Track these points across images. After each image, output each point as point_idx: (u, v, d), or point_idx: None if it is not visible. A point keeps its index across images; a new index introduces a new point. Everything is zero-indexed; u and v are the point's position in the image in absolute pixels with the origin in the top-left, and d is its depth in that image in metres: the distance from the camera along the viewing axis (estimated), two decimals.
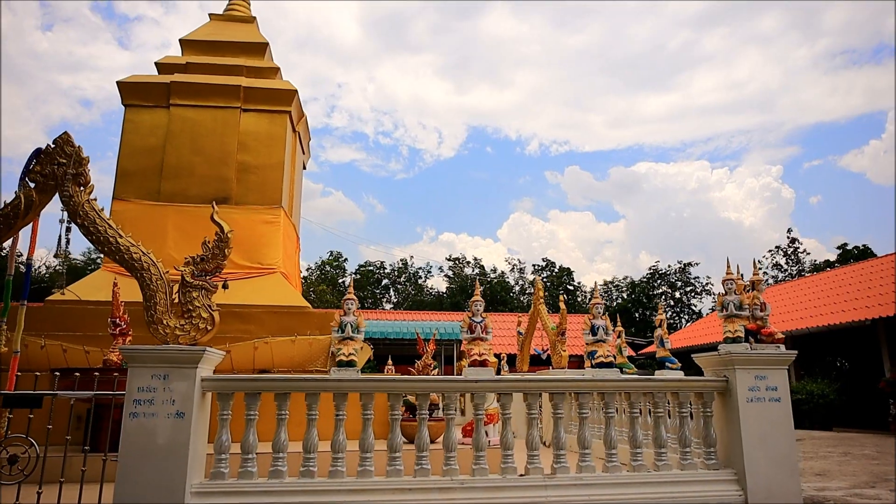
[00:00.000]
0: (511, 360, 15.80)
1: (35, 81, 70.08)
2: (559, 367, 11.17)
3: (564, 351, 11.22)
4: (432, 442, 6.55)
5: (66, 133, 5.70)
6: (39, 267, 38.88)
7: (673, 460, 5.95)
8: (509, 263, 57.51)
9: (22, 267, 6.35)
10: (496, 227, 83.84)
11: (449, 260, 56.00)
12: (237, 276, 9.54)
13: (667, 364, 7.67)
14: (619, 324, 10.47)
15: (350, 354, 5.51)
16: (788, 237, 47.00)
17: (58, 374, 6.81)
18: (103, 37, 75.06)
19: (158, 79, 11.12)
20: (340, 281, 52.36)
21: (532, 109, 79.70)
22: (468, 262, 55.96)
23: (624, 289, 53.71)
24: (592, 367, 6.37)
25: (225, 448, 5.22)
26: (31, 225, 5.87)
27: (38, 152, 5.59)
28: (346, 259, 55.01)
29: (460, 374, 5.82)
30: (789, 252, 46.14)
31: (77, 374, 6.59)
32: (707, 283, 50.50)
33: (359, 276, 54.18)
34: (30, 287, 6.08)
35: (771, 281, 43.18)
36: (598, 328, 6.52)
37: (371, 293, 53.84)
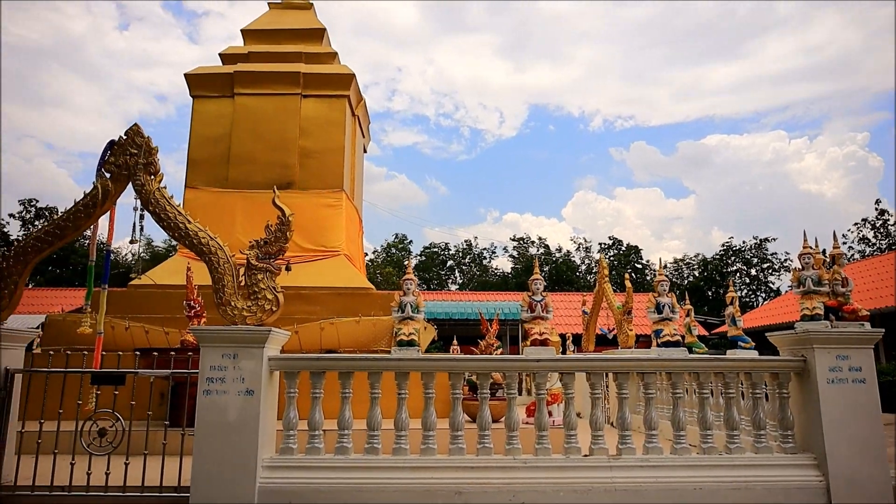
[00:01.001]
0: (577, 339, 15.58)
1: (113, 79, 73.88)
2: (626, 347, 10.94)
3: (631, 330, 10.97)
4: (495, 421, 6.55)
5: (136, 125, 5.96)
6: (126, 254, 41.30)
7: (746, 443, 5.70)
8: (574, 242, 56.56)
9: (102, 253, 6.72)
10: (560, 206, 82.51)
11: (513, 240, 55.62)
12: (302, 259, 9.80)
13: (739, 343, 7.35)
14: (687, 302, 10.12)
15: (410, 334, 5.55)
16: (877, 209, 43.87)
17: (138, 353, 7.20)
18: (174, 33, 78.14)
19: (222, 69, 11.47)
20: (406, 263, 53.04)
21: (594, 85, 77.53)
22: (532, 242, 55.43)
23: (696, 266, 51.88)
24: (658, 346, 6.17)
25: (293, 424, 5.39)
26: (108, 214, 6.18)
27: (111, 144, 5.87)
28: (410, 241, 55.62)
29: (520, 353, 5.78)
30: (878, 225, 43.11)
31: (155, 353, 6.97)
32: (785, 260, 48.07)
33: (424, 258, 54.73)
34: (111, 272, 6.44)
35: (857, 256, 40.58)
36: (663, 306, 6.30)
37: (436, 274, 54.30)
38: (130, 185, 5.78)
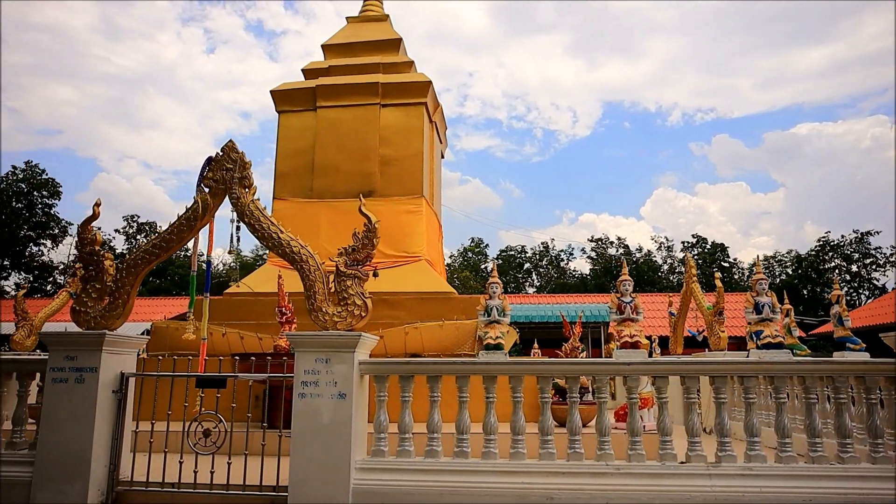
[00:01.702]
0: (663, 342, 15.05)
1: (202, 100, 78.38)
2: (717, 349, 10.46)
3: (723, 332, 10.48)
4: (584, 426, 6.42)
5: (230, 141, 6.28)
6: (217, 264, 43.62)
7: (861, 452, 5.30)
8: (655, 242, 54.68)
9: (203, 264, 7.10)
10: (638, 204, 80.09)
11: (591, 241, 54.48)
12: (384, 264, 9.99)
13: (848, 345, 6.85)
14: (786, 301, 9.55)
15: (497, 338, 5.54)
16: None
17: (237, 358, 7.56)
18: (255, 53, 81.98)
19: (305, 84, 11.92)
20: (483, 267, 53.07)
21: (671, 78, 74.73)
22: (611, 243, 54.07)
23: (788, 263, 48.98)
24: (758, 348, 5.84)
25: (384, 427, 5.50)
26: (207, 226, 6.53)
27: (209, 161, 6.21)
28: (487, 245, 55.64)
29: (609, 357, 5.63)
30: None
31: (252, 358, 7.31)
32: (892, 254, 44.47)
33: (501, 261, 54.55)
34: (210, 281, 6.82)
35: None
36: (762, 306, 5.96)
37: (513, 277, 54.00)
38: (227, 198, 6.10)
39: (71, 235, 46.43)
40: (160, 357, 6.17)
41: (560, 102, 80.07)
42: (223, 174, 6.10)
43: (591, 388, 8.34)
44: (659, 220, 70.65)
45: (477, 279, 45.68)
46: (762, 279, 6.20)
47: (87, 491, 5.41)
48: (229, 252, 7.87)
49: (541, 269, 56.34)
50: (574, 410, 5.40)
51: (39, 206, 44.57)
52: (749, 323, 6.28)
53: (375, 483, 5.25)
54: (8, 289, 42.72)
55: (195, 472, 5.55)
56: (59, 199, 44.98)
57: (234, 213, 6.11)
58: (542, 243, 56.82)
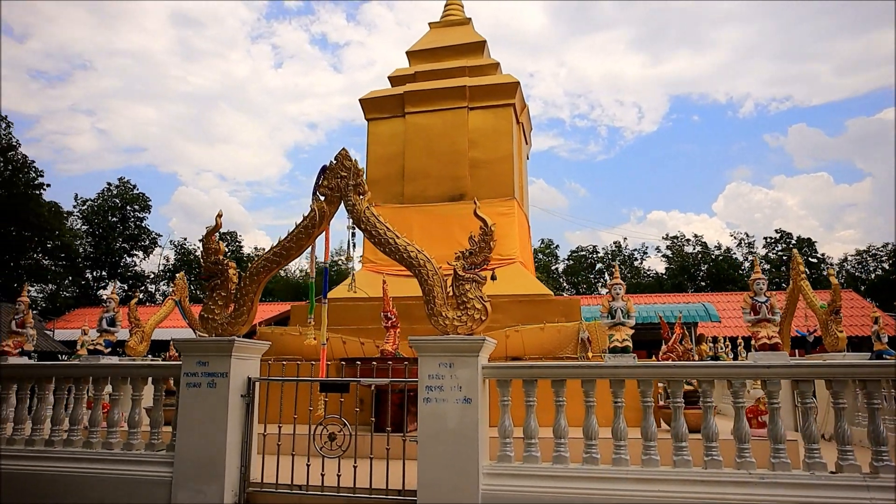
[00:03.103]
0: (749, 343, 14.29)
1: (271, 114, 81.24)
2: (835, 350, 9.82)
3: (841, 332, 9.84)
4: (693, 431, 6.12)
5: (343, 149, 6.39)
6: (294, 271, 44.99)
7: None
8: (735, 238, 52.39)
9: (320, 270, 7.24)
10: (710, 200, 77.08)
11: (666, 239, 52.79)
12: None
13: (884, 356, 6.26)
14: (874, 308, 8.87)
15: (624, 340, 5.37)
16: None
17: (344, 363, 7.69)
18: (320, 65, 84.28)
19: (392, 91, 12.07)
20: (553, 268, 52.39)
21: (742, 68, 71.60)
22: (687, 240, 52.18)
23: (884, 258, 45.84)
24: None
25: (508, 432, 5.42)
26: (323, 233, 6.67)
27: (323, 169, 6.34)
28: (557, 246, 54.84)
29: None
30: None
31: (358, 363, 7.39)
32: None
33: (571, 262, 53.69)
34: (328, 288, 6.95)
35: None
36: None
37: (584, 278, 53.02)
38: (343, 205, 6.20)
39: (160, 246, 49.12)
40: (284, 363, 6.32)
41: (624, 98, 78.20)
42: (337, 182, 6.20)
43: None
44: (733, 215, 67.74)
45: (548, 281, 45.10)
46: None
47: (224, 491, 5.60)
48: (346, 259, 8.06)
49: (613, 270, 55.02)
50: (710, 415, 5.16)
51: (132, 219, 47.34)
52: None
53: (504, 489, 5.18)
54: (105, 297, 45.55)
55: (322, 475, 5.64)
56: (149, 212, 47.62)
57: (350, 220, 6.21)
58: (615, 242, 55.51)
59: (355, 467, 5.61)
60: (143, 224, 48.01)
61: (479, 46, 12.55)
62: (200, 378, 5.88)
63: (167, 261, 49.58)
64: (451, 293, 5.75)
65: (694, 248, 51.39)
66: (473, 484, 5.14)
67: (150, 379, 6.37)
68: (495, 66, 12.25)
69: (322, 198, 6.25)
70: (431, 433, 5.30)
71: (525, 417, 5.44)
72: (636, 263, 54.44)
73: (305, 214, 6.24)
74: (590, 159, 77.70)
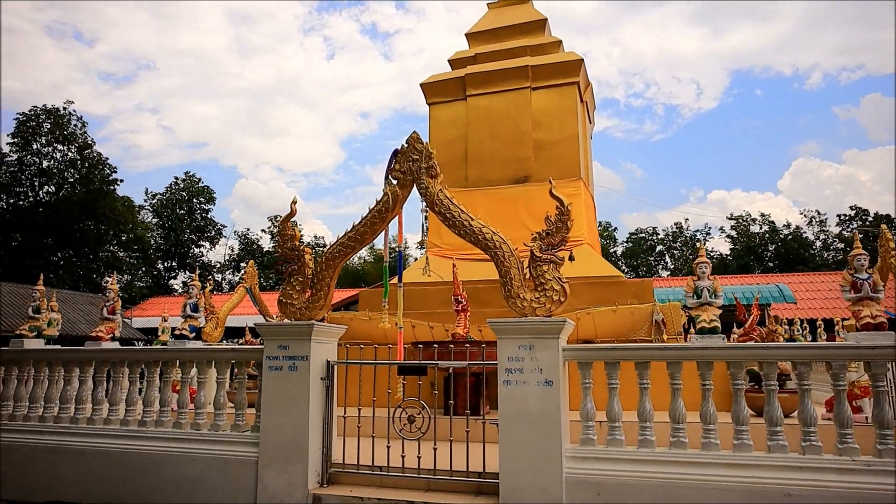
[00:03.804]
0: (829, 325, 13.58)
1: (324, 105, 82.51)
2: None
3: None
4: (786, 416, 5.84)
5: (415, 132, 6.36)
6: (355, 258, 45.72)
7: None
8: (804, 216, 49.95)
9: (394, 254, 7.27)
10: (775, 177, 73.79)
11: (730, 218, 50.83)
12: None
13: None
14: None
15: (711, 321, 5.16)
16: None
17: (420, 346, 7.71)
18: (371, 55, 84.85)
19: (453, 74, 11.97)
20: (612, 251, 51.36)
21: (809, 38, 67.78)
22: (754, 220, 50.09)
23: None
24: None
25: (591, 415, 5.32)
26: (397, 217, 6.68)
27: (395, 153, 6.33)
28: (615, 228, 53.73)
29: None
30: None
31: (435, 346, 7.42)
32: None
33: (630, 244, 52.54)
34: (402, 271, 6.97)
35: None
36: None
37: (644, 261, 51.81)
38: (416, 188, 6.19)
39: (225, 237, 50.86)
40: (361, 346, 6.39)
41: (681, 75, 75.49)
42: (410, 165, 6.18)
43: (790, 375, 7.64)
44: (800, 193, 64.66)
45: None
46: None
47: (307, 472, 5.73)
48: (421, 243, 8.14)
49: (675, 252, 53.56)
50: (807, 399, 4.90)
51: (198, 211, 49.14)
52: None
53: (588, 472, 5.09)
54: (176, 287, 47.62)
55: (402, 457, 5.69)
56: (214, 204, 49.31)
57: (423, 203, 6.19)
58: (676, 223, 53.92)
59: (435, 449, 5.63)
60: (208, 216, 49.82)
61: (540, 25, 12.27)
62: (282, 361, 6.01)
63: (231, 251, 51.34)
64: (528, 275, 5.66)
65: (761, 228, 49.32)
66: (556, 467, 5.07)
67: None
68: (557, 44, 11.96)
69: (394, 182, 6.25)
70: (512, 416, 5.25)
71: (608, 400, 5.33)
72: (698, 245, 52.74)
73: (378, 199, 6.26)
74: (646, 139, 75.59)
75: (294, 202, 6.53)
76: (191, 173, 49.86)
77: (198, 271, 9.86)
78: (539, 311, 5.46)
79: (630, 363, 5.36)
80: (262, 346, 6.14)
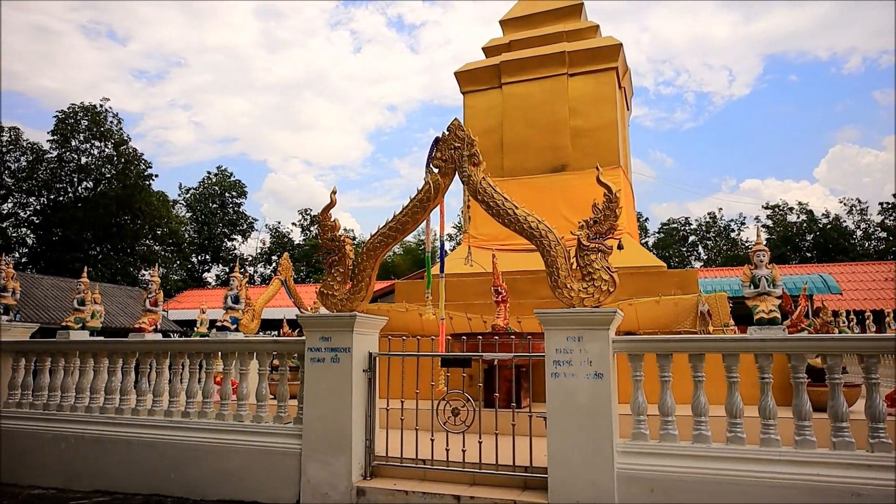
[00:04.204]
0: (877, 316, 13.07)
1: (352, 99, 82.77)
2: None
3: None
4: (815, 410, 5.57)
5: (455, 119, 6.22)
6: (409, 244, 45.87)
7: None
8: (844, 204, 48.43)
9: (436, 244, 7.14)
10: (811, 165, 71.67)
11: (766, 207, 49.59)
12: None
13: None
14: None
15: (771, 311, 4.92)
16: None
17: (462, 337, 7.59)
18: (397, 47, 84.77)
19: (488, 62, 11.77)
20: (643, 241, 50.52)
21: (847, 20, 65.43)
22: (791, 209, 48.76)
23: None
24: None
25: (642, 409, 5.15)
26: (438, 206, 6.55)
27: (436, 141, 6.20)
28: (646, 219, 52.84)
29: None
30: None
31: (479, 337, 7.29)
32: None
33: (662, 235, 51.65)
34: (444, 261, 6.86)
35: None
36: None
37: (677, 251, 50.89)
38: (458, 177, 6.05)
39: (257, 230, 51.49)
40: (404, 338, 6.30)
41: (713, 62, 73.78)
42: (451, 153, 6.05)
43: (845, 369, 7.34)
44: (837, 181, 62.76)
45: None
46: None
47: (351, 464, 5.67)
48: (463, 232, 8.03)
49: (708, 242, 52.54)
50: (874, 393, 4.65)
51: (230, 205, 49.80)
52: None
53: (641, 468, 4.92)
54: (209, 280, 48.42)
55: (447, 451, 5.59)
56: (246, 198, 49.89)
57: (466, 192, 6.06)
58: (709, 213, 52.81)
59: (480, 443, 5.53)
60: (240, 209, 50.46)
61: (577, 9, 11.98)
62: (324, 353, 5.96)
63: (263, 244, 51.95)
64: (574, 264, 5.50)
65: (798, 217, 48.00)
66: (608, 462, 4.92)
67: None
68: (595, 29, 11.67)
69: (436, 170, 6.13)
70: (561, 409, 5.11)
71: (660, 394, 5.15)
72: (732, 235, 51.62)
73: (419, 188, 6.15)
74: (676, 128, 74.15)
75: (334, 192, 6.45)
76: (223, 168, 50.56)
77: (238, 263, 9.91)
78: (587, 302, 5.29)
79: (682, 355, 5.17)
80: (304, 338, 6.09)
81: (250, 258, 51.21)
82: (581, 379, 5.09)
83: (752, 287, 5.14)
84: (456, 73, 11.80)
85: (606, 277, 5.32)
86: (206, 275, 49.49)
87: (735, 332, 9.85)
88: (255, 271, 50.36)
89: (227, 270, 47.94)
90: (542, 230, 5.61)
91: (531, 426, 5.43)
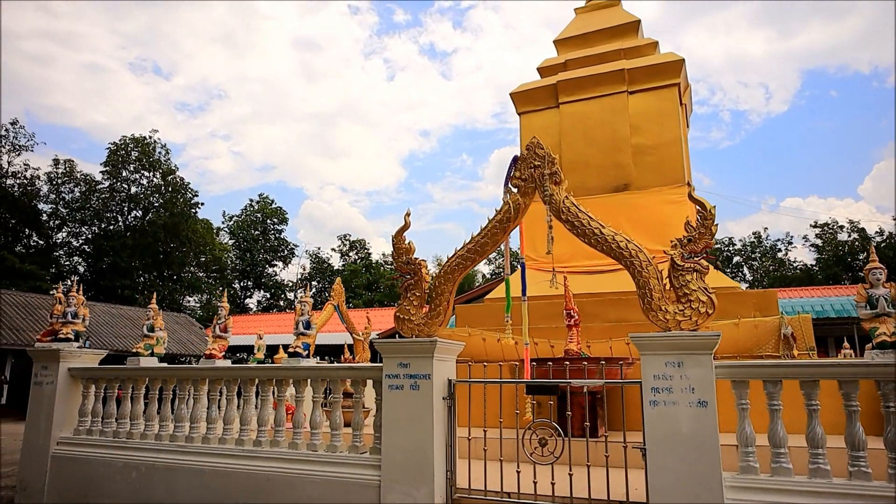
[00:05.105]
0: None
1: (386, 125, 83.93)
2: None
3: None
4: None
5: (534, 137, 6.05)
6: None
7: None
8: None
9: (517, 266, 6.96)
10: (855, 182, 69.41)
11: (814, 226, 48.05)
12: (656, 261, 9.24)
13: None
14: None
15: (893, 334, 4.55)
16: None
17: (535, 363, 7.34)
18: (430, 74, 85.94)
19: (545, 82, 11.65)
20: (869, 249, 49.21)
21: (889, 32, 63.69)
22: (841, 227, 47.16)
23: None
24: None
25: (750, 440, 4.80)
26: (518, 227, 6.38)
27: (515, 159, 6.05)
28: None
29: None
30: None
31: (549, 363, 7.02)
32: None
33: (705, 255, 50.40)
34: (526, 284, 6.65)
35: None
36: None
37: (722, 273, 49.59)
38: (539, 196, 5.86)
39: (297, 256, 52.07)
40: (485, 364, 6.08)
41: (749, 79, 72.62)
42: (531, 172, 5.87)
43: None
44: (884, 198, 60.50)
45: None
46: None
47: (433, 495, 5.43)
48: (548, 253, 7.84)
49: (753, 263, 51.11)
50: None
51: (271, 231, 50.58)
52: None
53: None
54: (251, 306, 49.02)
55: (534, 483, 5.31)
56: (287, 224, 50.63)
57: (548, 212, 5.86)
58: (754, 233, 51.47)
59: (571, 475, 5.23)
60: (281, 235, 51.20)
61: (633, 27, 11.80)
62: (403, 380, 5.77)
63: (304, 269, 52.48)
64: (667, 285, 5.22)
65: (849, 236, 46.35)
66: (717, 497, 4.57)
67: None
68: (654, 46, 11.45)
69: (515, 190, 5.95)
70: (662, 439, 4.79)
71: (770, 423, 4.79)
72: (779, 255, 50.14)
73: (498, 209, 5.98)
74: (713, 147, 72.91)
75: (408, 214, 6.32)
76: (265, 195, 51.50)
77: (307, 288, 9.82)
78: (684, 325, 5.00)
79: (793, 381, 4.82)
80: (380, 365, 5.92)
81: (290, 283, 51.76)
82: (683, 407, 4.78)
83: (868, 308, 4.77)
84: (512, 94, 11.70)
85: (704, 299, 5.02)
86: (248, 301, 50.14)
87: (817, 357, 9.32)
88: (296, 297, 50.78)
89: (269, 296, 48.48)
90: (632, 250, 5.37)
91: (626, 458, 5.12)
